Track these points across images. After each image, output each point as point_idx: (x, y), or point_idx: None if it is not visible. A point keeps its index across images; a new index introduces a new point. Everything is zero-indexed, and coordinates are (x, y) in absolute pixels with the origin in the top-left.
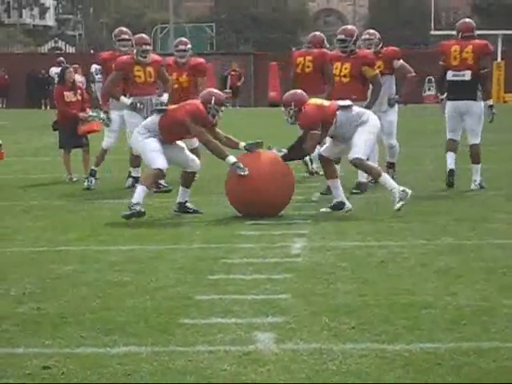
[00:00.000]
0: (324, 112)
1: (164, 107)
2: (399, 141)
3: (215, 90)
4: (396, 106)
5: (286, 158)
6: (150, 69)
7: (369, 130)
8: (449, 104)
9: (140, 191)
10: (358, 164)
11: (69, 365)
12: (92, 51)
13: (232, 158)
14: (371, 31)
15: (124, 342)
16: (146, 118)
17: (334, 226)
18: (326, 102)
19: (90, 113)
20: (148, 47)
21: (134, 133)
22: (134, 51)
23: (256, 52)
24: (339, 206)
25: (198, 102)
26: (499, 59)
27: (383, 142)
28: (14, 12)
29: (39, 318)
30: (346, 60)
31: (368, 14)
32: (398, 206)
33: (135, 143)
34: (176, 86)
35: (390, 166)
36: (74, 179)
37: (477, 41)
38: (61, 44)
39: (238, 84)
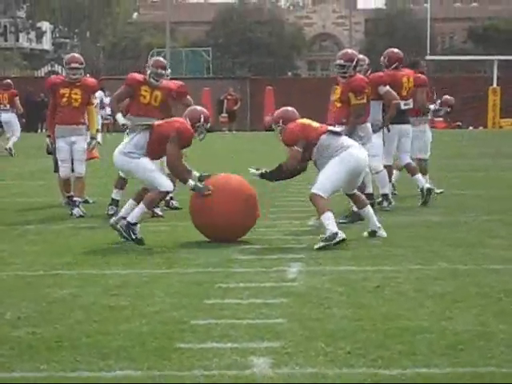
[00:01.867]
0: (307, 131)
1: (150, 123)
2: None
3: (200, 107)
4: (381, 131)
5: (265, 176)
6: (157, 93)
7: (339, 162)
8: (396, 127)
9: (140, 210)
10: (311, 198)
11: None
12: (88, 75)
13: (191, 182)
14: (361, 56)
15: (120, 367)
16: None
17: (330, 250)
18: (316, 124)
19: (88, 139)
20: (163, 72)
21: (118, 155)
22: (148, 72)
23: (252, 76)
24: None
25: (185, 121)
26: (495, 84)
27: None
28: (10, 36)
29: (35, 342)
30: (341, 84)
31: (364, 39)
32: (318, 245)
33: (126, 164)
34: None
35: (384, 198)
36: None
37: (410, 71)
38: (57, 68)
39: (235, 108)
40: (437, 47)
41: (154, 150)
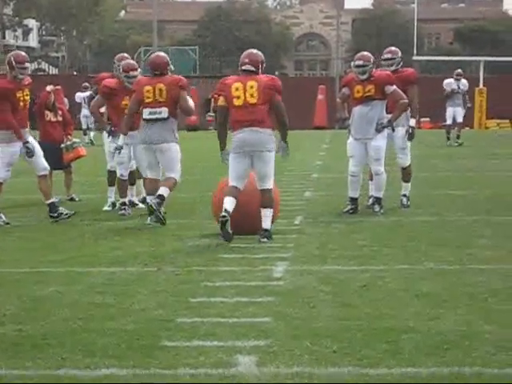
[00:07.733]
0: None
1: None
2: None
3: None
4: (385, 131)
5: None
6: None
7: None
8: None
9: None
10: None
11: None
12: (75, 73)
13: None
14: (364, 53)
15: (105, 365)
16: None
17: (316, 249)
18: None
19: (73, 139)
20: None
21: None
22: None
23: None
24: None
25: None
26: (481, 85)
27: (371, 169)
28: None
29: (20, 339)
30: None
31: (351, 39)
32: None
33: None
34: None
35: (376, 202)
36: (56, 200)
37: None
38: (44, 65)
39: None
40: (423, 48)
41: None
